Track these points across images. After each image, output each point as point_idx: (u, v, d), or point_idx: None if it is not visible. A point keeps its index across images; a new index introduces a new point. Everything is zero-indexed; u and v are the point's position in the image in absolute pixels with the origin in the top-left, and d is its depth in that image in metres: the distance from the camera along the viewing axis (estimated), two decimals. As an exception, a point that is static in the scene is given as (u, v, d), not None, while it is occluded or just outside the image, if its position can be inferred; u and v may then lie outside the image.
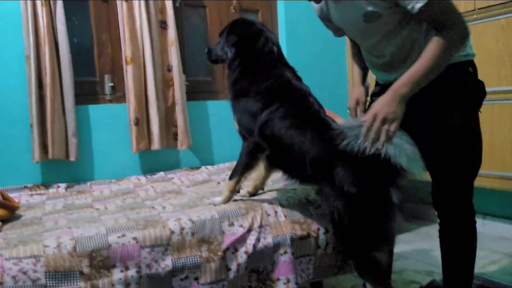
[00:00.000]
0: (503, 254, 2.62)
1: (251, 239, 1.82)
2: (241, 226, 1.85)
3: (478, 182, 2.27)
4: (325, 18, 1.79)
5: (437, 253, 1.94)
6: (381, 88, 1.66)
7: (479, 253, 1.77)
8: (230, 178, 1.93)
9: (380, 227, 1.59)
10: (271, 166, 1.98)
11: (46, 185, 2.50)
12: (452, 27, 1.36)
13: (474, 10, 2.47)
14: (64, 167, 2.62)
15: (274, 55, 1.84)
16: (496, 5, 2.36)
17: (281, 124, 1.74)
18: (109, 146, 2.76)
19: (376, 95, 1.72)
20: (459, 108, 1.54)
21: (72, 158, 2.56)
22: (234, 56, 1.86)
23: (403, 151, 1.43)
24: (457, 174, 1.63)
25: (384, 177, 1.54)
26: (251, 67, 1.85)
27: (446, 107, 1.54)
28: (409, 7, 1.38)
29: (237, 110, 1.90)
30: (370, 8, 1.47)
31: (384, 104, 1.39)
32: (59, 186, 2.47)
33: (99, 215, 1.92)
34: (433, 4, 1.35)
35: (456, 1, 2.43)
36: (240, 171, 1.89)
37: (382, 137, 1.40)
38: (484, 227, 2.82)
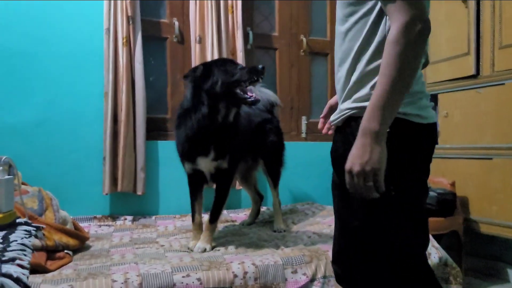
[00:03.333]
0: None
1: (314, 290, 1.75)
2: (304, 274, 1.79)
3: None
4: None
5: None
6: None
7: None
8: None
9: None
10: None
11: (114, 216, 2.58)
12: (398, 16, 0.99)
13: None
14: (131, 200, 2.70)
15: None
16: None
17: None
18: (174, 181, 2.81)
19: None
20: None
21: (139, 191, 2.63)
22: None
23: None
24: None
25: None
26: None
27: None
28: None
29: None
30: None
31: (356, 155, 1.03)
32: (125, 219, 2.54)
33: (164, 252, 1.93)
34: None
35: None
36: None
37: (369, 194, 1.05)
38: None
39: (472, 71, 2.81)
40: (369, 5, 1.11)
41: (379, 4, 1.08)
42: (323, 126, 1.51)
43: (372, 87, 1.09)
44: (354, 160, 1.03)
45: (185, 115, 2.03)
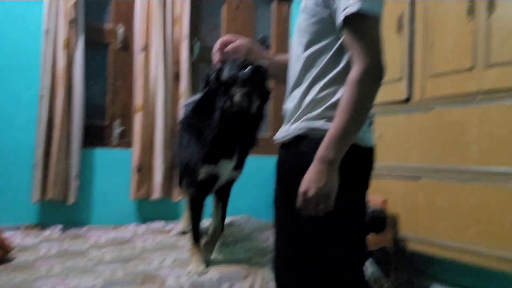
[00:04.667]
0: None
1: (249, 304, 1.76)
2: (240, 289, 1.79)
3: (476, 260, 2.27)
4: None
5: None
6: None
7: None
8: None
9: None
10: None
11: (42, 226, 2.45)
12: (360, 60, 1.12)
13: (479, 91, 2.55)
14: (62, 209, 2.58)
15: None
16: (502, 89, 2.44)
17: None
18: (110, 191, 2.73)
19: None
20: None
21: (71, 200, 2.53)
22: None
23: None
24: None
25: None
26: None
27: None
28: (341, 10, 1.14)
29: None
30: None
31: (312, 179, 1.12)
32: (55, 228, 2.42)
33: (95, 265, 1.86)
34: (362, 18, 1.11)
35: (462, 83, 2.60)
36: None
37: (317, 214, 1.14)
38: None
39: (404, 96, 2.99)
40: (331, 38, 1.21)
41: (341, 40, 1.18)
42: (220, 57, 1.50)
43: (322, 112, 1.20)
44: (310, 184, 1.12)
45: (200, 114, 1.83)
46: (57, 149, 2.47)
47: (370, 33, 1.14)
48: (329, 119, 1.18)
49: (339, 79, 1.18)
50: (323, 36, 1.22)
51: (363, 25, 1.13)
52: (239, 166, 2.02)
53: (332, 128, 1.13)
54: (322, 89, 1.22)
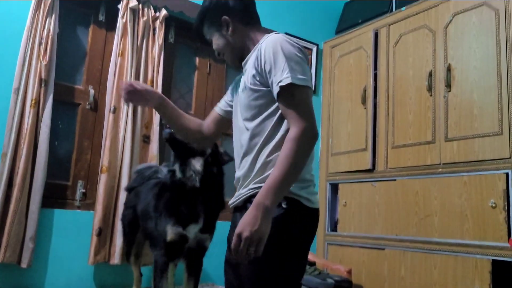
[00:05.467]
0: None
1: None
2: None
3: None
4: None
5: None
6: None
7: None
8: None
9: None
10: None
11: (-10, 291, 2.30)
12: (296, 123, 1.26)
13: (439, 164, 2.66)
14: (15, 273, 2.44)
15: None
16: (460, 162, 2.55)
17: None
18: (67, 254, 2.61)
19: None
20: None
21: (24, 264, 2.39)
22: None
23: None
24: None
25: None
26: None
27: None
28: (275, 87, 1.30)
29: None
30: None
31: (248, 222, 1.19)
32: (4, 294, 2.27)
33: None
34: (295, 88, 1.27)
35: (422, 155, 2.70)
36: None
37: (246, 258, 1.21)
38: None
39: (369, 166, 3.07)
40: (272, 108, 1.37)
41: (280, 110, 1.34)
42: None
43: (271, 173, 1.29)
44: (245, 226, 1.19)
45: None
46: (14, 208, 2.37)
47: (302, 100, 1.29)
48: None
49: (281, 145, 1.30)
50: (265, 108, 1.38)
51: (296, 93, 1.29)
52: (206, 230, 2.01)
53: (270, 178, 1.24)
54: (270, 153, 1.35)
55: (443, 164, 2.65)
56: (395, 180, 2.90)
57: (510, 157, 2.35)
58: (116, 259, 2.66)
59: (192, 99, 3.36)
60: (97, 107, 2.89)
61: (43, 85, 2.54)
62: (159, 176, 2.39)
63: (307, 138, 1.26)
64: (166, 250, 1.97)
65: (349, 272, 2.94)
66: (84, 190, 2.78)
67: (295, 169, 1.25)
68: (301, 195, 1.34)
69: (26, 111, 2.49)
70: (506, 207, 2.32)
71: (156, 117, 2.93)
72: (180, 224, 1.96)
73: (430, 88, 2.78)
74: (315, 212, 1.40)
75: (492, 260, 2.34)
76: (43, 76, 2.54)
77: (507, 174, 2.35)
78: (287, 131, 1.31)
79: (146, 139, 2.92)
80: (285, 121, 1.33)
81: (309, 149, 1.29)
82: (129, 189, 2.58)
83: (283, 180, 1.23)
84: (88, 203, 2.78)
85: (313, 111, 1.30)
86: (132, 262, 2.53)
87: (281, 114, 1.34)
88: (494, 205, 2.36)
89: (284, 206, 1.31)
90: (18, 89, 2.48)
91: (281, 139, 1.32)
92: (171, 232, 1.94)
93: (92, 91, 2.86)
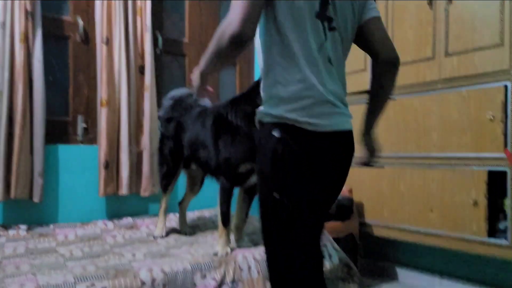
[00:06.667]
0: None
1: (223, 293, 1.79)
2: (213, 279, 1.81)
3: (437, 243, 2.36)
4: None
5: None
6: None
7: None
8: None
9: None
10: None
11: (6, 226, 2.37)
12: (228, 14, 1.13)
13: (439, 80, 2.66)
14: (27, 208, 2.50)
15: None
16: (459, 77, 2.55)
17: None
18: (76, 188, 2.67)
19: None
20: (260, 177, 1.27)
21: (36, 199, 2.45)
22: None
23: None
24: None
25: None
26: None
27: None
28: None
29: None
30: None
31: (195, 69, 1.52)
32: (19, 228, 2.34)
33: (65, 261, 1.83)
34: None
35: (422, 72, 2.69)
36: None
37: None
38: (442, 286, 2.88)
39: (368, 87, 3.06)
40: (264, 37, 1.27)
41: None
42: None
43: (265, 99, 1.27)
44: (195, 70, 1.49)
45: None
46: (19, 146, 2.39)
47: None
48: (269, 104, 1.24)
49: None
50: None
51: None
52: None
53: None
54: (265, 83, 1.26)
55: (443, 79, 2.65)
56: (394, 99, 2.90)
57: (509, 69, 2.35)
58: (124, 189, 2.72)
59: (185, 26, 3.26)
60: (88, 39, 2.81)
61: (30, 17, 2.44)
62: (201, 104, 2.42)
63: (224, 33, 1.12)
64: (234, 178, 2.13)
65: (350, 191, 3.04)
66: (85, 125, 2.77)
67: (213, 55, 1.24)
68: (299, 120, 1.16)
69: (16, 47, 2.42)
70: (504, 119, 2.36)
71: (148, 45, 2.85)
72: (250, 160, 2.06)
73: (430, 2, 2.71)
74: (329, 135, 1.20)
75: (488, 171, 2.41)
76: (28, 8, 2.43)
77: (506, 86, 2.36)
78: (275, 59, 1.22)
79: (141, 70, 2.87)
80: (275, 52, 1.23)
81: (223, 43, 1.13)
82: (167, 119, 2.52)
83: (208, 57, 1.29)
84: (90, 137, 2.79)
85: (247, 9, 1.10)
86: (168, 192, 2.52)
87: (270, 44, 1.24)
88: (492, 117, 2.40)
89: (276, 135, 1.17)
90: (4, 22, 2.38)
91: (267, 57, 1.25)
92: (243, 166, 2.08)
93: (81, 22, 2.76)
